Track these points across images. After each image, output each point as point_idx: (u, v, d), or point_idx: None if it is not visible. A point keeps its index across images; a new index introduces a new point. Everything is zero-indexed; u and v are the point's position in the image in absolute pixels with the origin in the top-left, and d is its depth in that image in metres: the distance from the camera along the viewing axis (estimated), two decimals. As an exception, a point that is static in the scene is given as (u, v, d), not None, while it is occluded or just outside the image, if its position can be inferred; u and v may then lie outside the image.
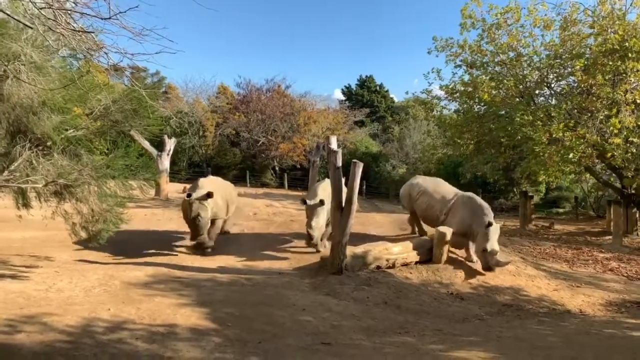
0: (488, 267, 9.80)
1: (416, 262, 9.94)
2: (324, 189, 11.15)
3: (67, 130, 6.84)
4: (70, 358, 4.51)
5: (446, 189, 11.73)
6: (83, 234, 7.51)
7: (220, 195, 10.96)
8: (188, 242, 11.04)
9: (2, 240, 9.95)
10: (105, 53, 4.49)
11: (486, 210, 10.30)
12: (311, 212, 10.58)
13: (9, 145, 6.42)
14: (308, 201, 10.65)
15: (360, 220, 13.17)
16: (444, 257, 10.11)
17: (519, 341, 6.19)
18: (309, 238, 10.52)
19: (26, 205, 7.46)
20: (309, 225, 10.51)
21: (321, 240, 10.96)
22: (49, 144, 6.60)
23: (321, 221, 10.62)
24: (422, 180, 12.52)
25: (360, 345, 5.74)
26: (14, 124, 6.36)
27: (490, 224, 9.76)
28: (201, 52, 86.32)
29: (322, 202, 10.51)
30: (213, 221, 10.79)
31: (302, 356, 5.22)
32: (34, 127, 6.26)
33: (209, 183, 10.93)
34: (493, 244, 9.73)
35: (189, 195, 9.89)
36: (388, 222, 14.73)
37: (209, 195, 10.00)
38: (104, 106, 7.13)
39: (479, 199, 10.75)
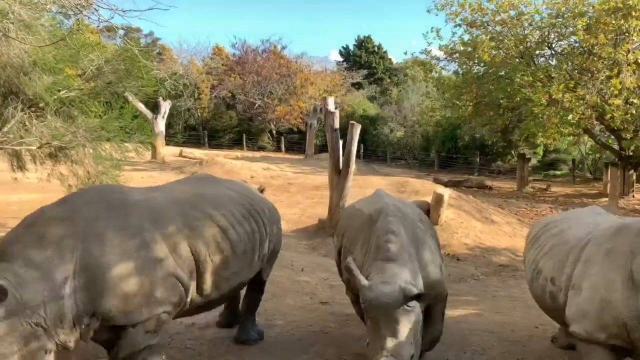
0: None
1: (413, 224, 9.97)
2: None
3: (59, 91, 6.69)
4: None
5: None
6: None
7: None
8: None
9: (-1, 203, 9.93)
10: (95, 9, 4.34)
11: None
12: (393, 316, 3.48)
13: (1, 106, 6.29)
14: (385, 287, 3.56)
15: (358, 183, 13.15)
16: (442, 219, 10.16)
17: (514, 300, 6.29)
18: None
19: (21, 167, 7.37)
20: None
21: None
22: (41, 105, 6.47)
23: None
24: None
25: (358, 304, 5.82)
26: (5, 85, 6.21)
27: None
28: (195, 11, 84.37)
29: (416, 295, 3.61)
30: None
31: (301, 315, 5.30)
32: (25, 87, 6.11)
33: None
34: None
35: None
36: (385, 185, 14.73)
37: None
38: (97, 66, 6.94)
39: None
